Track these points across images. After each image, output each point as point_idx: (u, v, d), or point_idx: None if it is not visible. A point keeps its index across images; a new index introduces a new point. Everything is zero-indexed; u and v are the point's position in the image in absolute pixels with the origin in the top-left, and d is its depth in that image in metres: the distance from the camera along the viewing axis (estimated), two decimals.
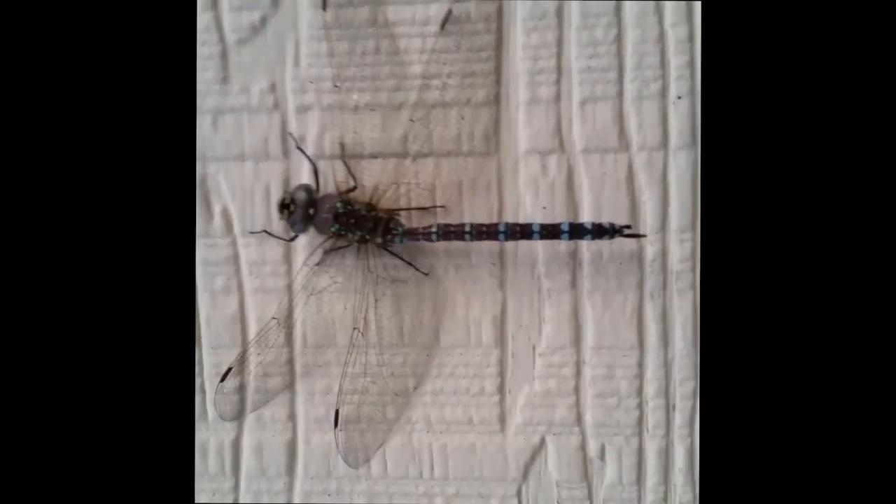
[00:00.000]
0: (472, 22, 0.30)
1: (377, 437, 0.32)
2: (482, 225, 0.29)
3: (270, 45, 0.31)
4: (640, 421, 0.31)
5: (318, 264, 0.30)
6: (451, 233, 0.29)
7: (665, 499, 0.31)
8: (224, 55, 0.31)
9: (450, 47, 0.30)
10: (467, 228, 0.29)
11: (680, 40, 0.29)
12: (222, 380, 0.31)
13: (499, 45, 0.30)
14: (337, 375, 0.31)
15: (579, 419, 0.31)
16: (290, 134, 0.31)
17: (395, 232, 0.29)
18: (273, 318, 0.30)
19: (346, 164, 0.30)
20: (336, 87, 0.30)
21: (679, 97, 0.29)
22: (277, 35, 0.31)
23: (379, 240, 0.29)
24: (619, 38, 0.30)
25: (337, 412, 0.31)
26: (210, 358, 0.32)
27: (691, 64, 0.29)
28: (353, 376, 0.31)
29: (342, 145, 0.30)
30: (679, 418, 0.31)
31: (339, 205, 0.29)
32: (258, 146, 0.31)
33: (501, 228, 0.29)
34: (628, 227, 0.28)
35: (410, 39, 0.30)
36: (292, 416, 0.32)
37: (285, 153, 0.31)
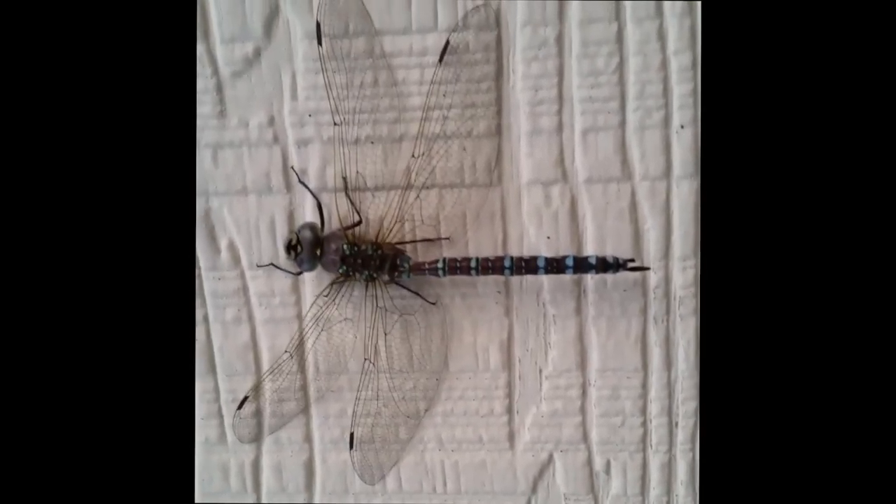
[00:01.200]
0: (471, 52, 0.39)
1: (391, 456, 0.44)
2: (487, 260, 0.40)
3: (266, 77, 0.41)
4: (644, 438, 0.43)
5: (326, 296, 0.41)
6: (457, 268, 0.40)
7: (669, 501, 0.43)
8: (219, 88, 0.41)
9: (449, 78, 0.39)
10: (473, 264, 0.40)
11: (683, 68, 0.39)
12: (239, 407, 0.43)
13: (499, 75, 0.40)
14: (350, 400, 0.43)
15: (585, 437, 0.43)
16: (292, 168, 0.42)
17: (401, 269, 0.40)
18: (286, 351, 0.42)
19: (349, 198, 0.41)
20: (336, 124, 0.39)
21: (682, 126, 0.39)
22: (272, 67, 0.41)
23: (386, 277, 0.41)
24: (620, 67, 0.39)
25: (352, 435, 0.43)
26: (225, 384, 0.45)
27: (694, 92, 0.38)
28: (365, 401, 0.43)
29: (345, 179, 0.41)
30: (681, 435, 0.43)
31: (345, 247, 0.39)
32: (260, 180, 0.42)
33: (507, 264, 0.40)
34: (632, 260, 0.39)
35: (409, 70, 0.40)
36: (308, 438, 0.45)
37: (288, 186, 0.42)
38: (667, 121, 0.40)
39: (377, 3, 0.40)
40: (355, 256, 0.41)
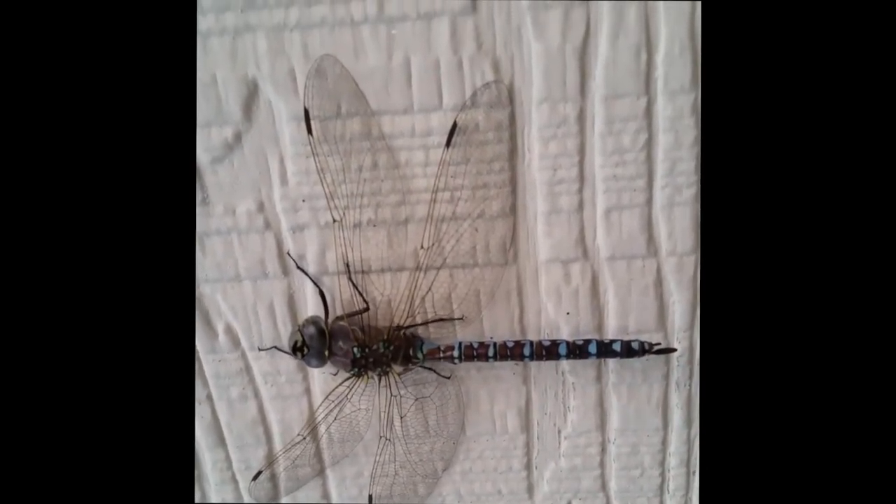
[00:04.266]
0: (482, 132, 0.39)
1: None
2: (506, 346, 0.41)
3: (250, 162, 0.40)
4: (662, 485, 0.47)
5: (334, 400, 0.43)
6: (474, 355, 0.42)
7: None
8: (199, 176, 0.40)
9: (458, 159, 0.39)
10: (490, 352, 0.41)
11: None
12: (254, 479, 0.46)
13: (513, 154, 0.40)
14: (366, 463, 0.47)
15: (604, 486, 0.48)
16: (289, 254, 0.42)
17: (415, 360, 0.42)
18: (299, 434, 0.44)
19: (353, 284, 0.41)
20: (335, 220, 0.39)
21: None
22: (257, 151, 0.40)
23: (399, 369, 0.42)
24: (648, 145, 0.38)
25: (370, 496, 0.46)
26: (237, 454, 0.48)
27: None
28: (382, 464, 0.46)
29: (347, 265, 0.41)
30: (698, 482, 0.46)
31: (355, 350, 0.41)
32: (254, 267, 0.42)
33: (526, 352, 0.41)
34: (658, 343, 0.41)
35: (412, 152, 0.39)
36: (326, 496, 0.49)
37: (285, 271, 0.43)
38: (697, 198, 0.40)
39: (372, 82, 0.38)
40: (366, 357, 0.42)
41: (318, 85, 0.38)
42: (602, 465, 0.48)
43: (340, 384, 0.44)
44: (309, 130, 0.39)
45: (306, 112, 0.38)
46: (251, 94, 0.39)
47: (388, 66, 0.38)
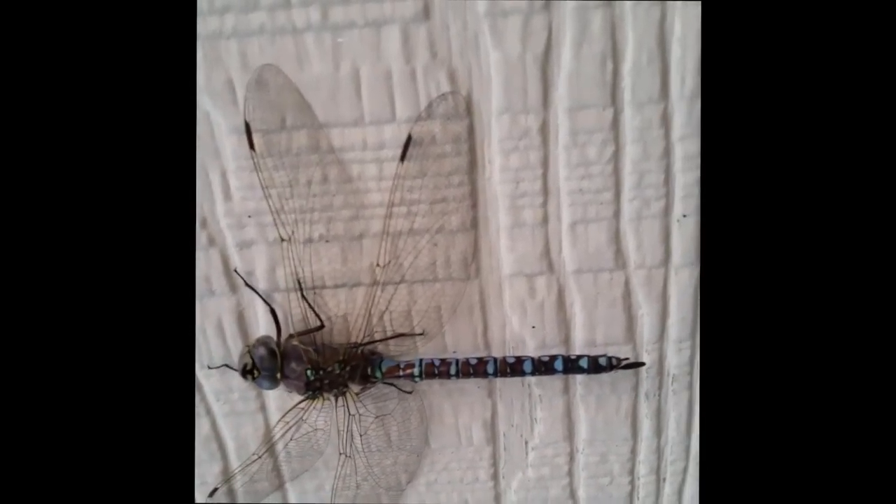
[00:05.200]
0: (439, 144, 0.37)
1: None
2: (469, 364, 0.41)
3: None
4: (632, 493, 0.47)
5: (288, 422, 0.42)
6: (435, 373, 0.41)
7: None
8: None
9: (414, 173, 0.38)
10: (452, 370, 0.41)
11: (689, 156, 0.38)
12: (210, 495, 0.46)
13: (472, 167, 0.38)
14: (327, 476, 0.47)
15: (573, 495, 0.48)
16: (236, 271, 0.41)
17: (373, 379, 0.41)
18: (254, 454, 0.44)
19: (306, 301, 0.40)
20: (283, 238, 0.38)
21: (684, 216, 0.38)
22: (197, 166, 0.38)
23: (357, 389, 0.41)
24: (615, 157, 0.37)
25: None
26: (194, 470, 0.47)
27: (699, 181, 0.37)
28: (343, 477, 0.46)
29: (299, 281, 0.40)
30: (668, 488, 0.48)
31: (309, 373, 0.40)
32: (200, 284, 0.42)
33: (490, 369, 0.41)
34: (626, 358, 0.41)
35: (364, 165, 0.38)
36: None
37: (233, 288, 0.42)
38: (667, 210, 0.39)
39: (319, 93, 0.37)
40: (321, 380, 0.41)
41: (259, 97, 0.36)
42: (570, 474, 0.48)
43: (294, 407, 0.43)
44: (251, 145, 0.37)
45: (247, 126, 0.37)
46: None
47: (335, 76, 0.37)
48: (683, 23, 0.35)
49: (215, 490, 0.47)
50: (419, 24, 0.36)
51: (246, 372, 0.41)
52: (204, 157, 0.38)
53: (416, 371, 0.42)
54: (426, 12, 0.35)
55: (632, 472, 0.48)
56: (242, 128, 0.37)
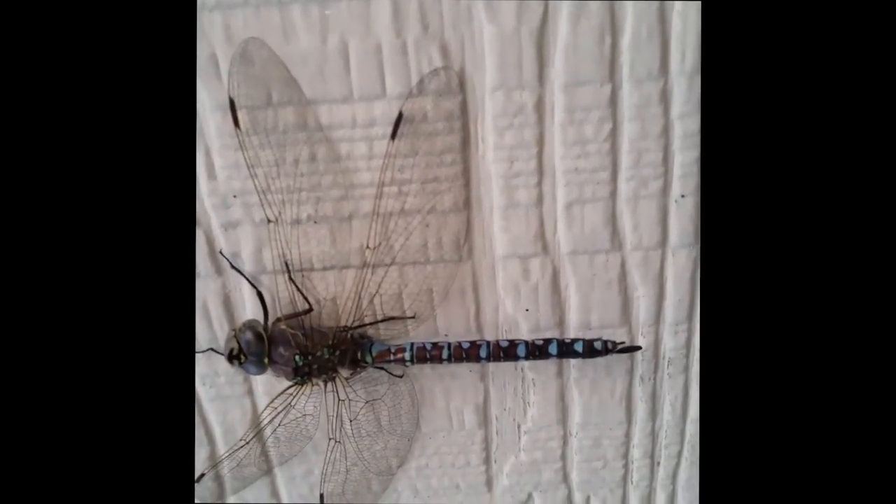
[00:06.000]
0: (430, 122, 0.36)
1: None
2: (461, 346, 0.40)
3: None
4: (626, 476, 0.47)
5: (275, 407, 0.41)
6: (427, 357, 0.40)
7: None
8: None
9: (405, 151, 0.36)
10: (444, 355, 0.40)
11: (689, 134, 0.36)
12: (197, 480, 0.44)
13: (465, 145, 0.37)
14: (316, 461, 0.46)
15: (566, 478, 0.47)
16: (221, 252, 0.39)
17: (363, 363, 0.40)
18: (241, 440, 0.42)
19: (293, 283, 0.39)
20: (269, 220, 0.36)
21: (683, 196, 0.37)
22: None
23: (346, 374, 0.40)
24: (613, 135, 0.36)
25: (321, 495, 0.45)
26: None
27: (699, 160, 0.36)
28: (332, 462, 0.45)
29: (286, 263, 0.38)
30: (662, 472, 0.47)
31: (297, 358, 0.38)
32: None
33: (482, 353, 0.40)
34: (622, 342, 0.39)
35: (353, 143, 0.36)
36: (275, 494, 0.47)
37: (219, 270, 0.40)
38: (665, 190, 0.38)
39: (306, 68, 0.35)
40: (309, 365, 0.40)
41: (244, 71, 0.35)
42: (563, 457, 0.47)
43: (283, 392, 0.42)
44: (236, 123, 0.35)
45: (232, 102, 0.35)
46: None
47: (322, 50, 0.35)
48: None
49: (202, 476, 0.46)
50: None
51: (232, 357, 0.40)
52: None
53: (407, 355, 0.41)
54: None
55: (626, 455, 0.47)
56: (227, 104, 0.35)
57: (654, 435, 0.46)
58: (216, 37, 0.35)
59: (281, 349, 0.40)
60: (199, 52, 0.35)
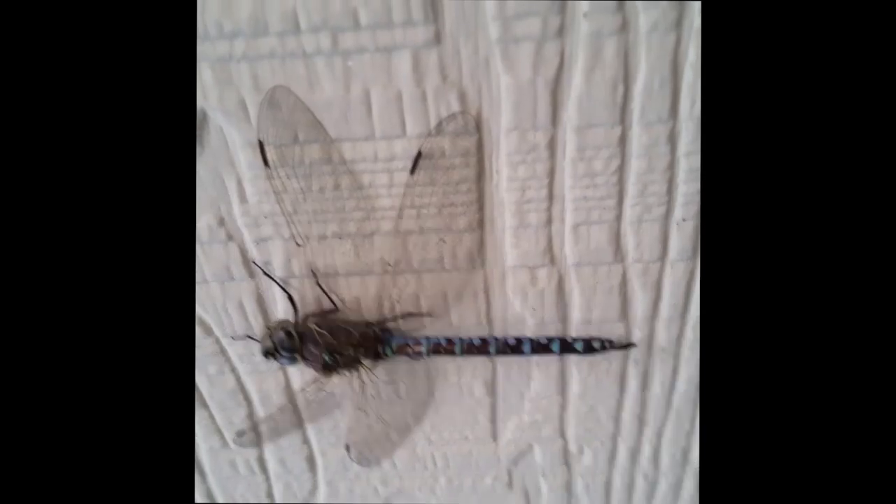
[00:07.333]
0: (448, 157, 0.37)
1: (385, 453, 0.53)
2: (472, 343, 0.43)
3: (207, 182, 0.40)
4: (616, 434, 0.51)
5: (306, 390, 0.45)
6: (441, 350, 0.43)
7: (632, 472, 0.53)
8: None
9: (424, 181, 0.38)
10: (457, 350, 0.43)
11: (693, 169, 0.37)
12: (238, 435, 0.49)
13: (480, 176, 0.38)
14: (341, 418, 0.50)
15: (563, 433, 0.52)
16: (254, 262, 0.41)
17: (385, 355, 0.43)
18: (278, 408, 0.47)
19: (321, 287, 0.42)
20: (298, 244, 0.38)
21: (684, 220, 0.39)
22: (212, 173, 0.39)
23: (370, 364, 0.44)
24: (620, 169, 0.37)
25: (347, 445, 0.50)
26: (220, 414, 0.51)
27: (701, 192, 0.38)
28: (357, 421, 0.49)
29: (314, 272, 0.41)
30: (650, 431, 0.51)
31: (326, 357, 0.42)
32: (220, 272, 0.43)
33: (491, 350, 0.43)
34: (618, 340, 0.42)
35: (375, 175, 0.38)
36: (306, 441, 0.53)
37: (251, 274, 0.43)
38: (667, 215, 0.39)
39: (330, 113, 0.36)
40: (337, 362, 0.43)
41: (272, 115, 0.35)
42: (561, 419, 0.51)
43: (311, 382, 0.45)
44: (265, 163, 0.36)
45: (261, 144, 0.36)
46: (201, 122, 0.36)
47: (346, 97, 0.35)
48: (697, 49, 0.34)
49: (243, 432, 0.51)
50: (430, 49, 0.34)
51: (268, 353, 0.43)
52: (218, 165, 0.38)
53: (423, 349, 0.44)
54: (437, 38, 0.34)
55: (617, 417, 0.51)
56: (256, 143, 0.36)
57: (643, 402, 0.50)
58: (244, 84, 0.35)
59: (311, 347, 0.43)
60: (228, 98, 0.36)
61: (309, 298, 0.43)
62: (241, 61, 0.34)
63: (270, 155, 0.37)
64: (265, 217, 0.40)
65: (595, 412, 0.51)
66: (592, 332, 0.45)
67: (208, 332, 0.46)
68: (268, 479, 0.56)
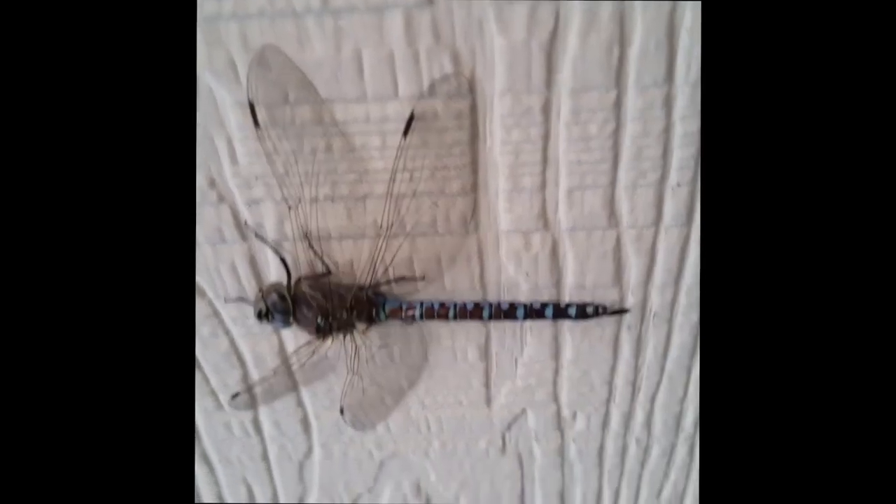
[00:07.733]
0: (441, 120, 0.36)
1: (379, 416, 0.53)
2: (465, 309, 0.43)
3: (197, 144, 0.38)
4: (609, 399, 0.51)
5: (299, 353, 0.45)
6: (434, 315, 0.43)
7: (625, 437, 0.54)
8: None
9: (416, 143, 0.38)
10: (451, 314, 0.43)
11: (688, 133, 0.37)
12: (233, 398, 0.50)
13: (473, 139, 0.37)
14: (336, 381, 0.50)
15: (556, 398, 0.52)
16: (246, 224, 0.41)
17: (378, 320, 0.43)
18: (272, 370, 0.47)
19: (314, 250, 0.41)
20: (290, 206, 0.38)
21: (679, 185, 0.38)
22: (203, 134, 0.38)
23: (363, 327, 0.43)
24: (615, 133, 0.37)
25: (341, 407, 0.50)
26: (214, 376, 0.51)
27: (697, 156, 0.37)
28: (351, 385, 0.49)
29: (307, 234, 0.41)
30: (642, 396, 0.51)
31: (319, 321, 0.42)
32: (212, 234, 0.42)
33: (485, 314, 0.43)
34: (611, 306, 0.42)
35: (368, 137, 0.38)
36: (301, 403, 0.53)
37: (243, 237, 0.42)
38: (662, 180, 0.39)
39: (321, 72, 0.35)
40: (330, 325, 0.43)
41: (262, 75, 0.35)
42: (555, 383, 0.51)
43: (306, 344, 0.45)
44: (256, 123, 0.36)
45: (251, 105, 0.35)
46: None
47: (336, 57, 0.35)
48: (693, 13, 0.33)
49: (237, 394, 0.51)
50: (423, 9, 0.33)
51: (261, 316, 0.43)
52: (209, 126, 0.37)
53: (416, 313, 0.44)
54: None
55: (610, 382, 0.51)
56: (246, 103, 0.36)
57: (636, 368, 0.50)
58: (233, 44, 0.34)
59: (304, 310, 0.43)
60: (217, 57, 0.35)
61: (302, 261, 0.43)
62: (230, 20, 0.34)
63: (261, 115, 0.36)
64: (256, 178, 0.39)
65: (588, 377, 0.51)
66: (586, 297, 0.45)
67: (201, 294, 0.46)
68: (263, 441, 0.56)
